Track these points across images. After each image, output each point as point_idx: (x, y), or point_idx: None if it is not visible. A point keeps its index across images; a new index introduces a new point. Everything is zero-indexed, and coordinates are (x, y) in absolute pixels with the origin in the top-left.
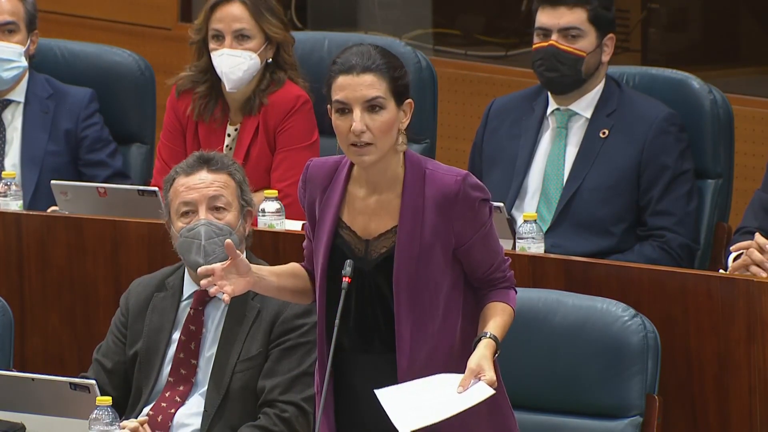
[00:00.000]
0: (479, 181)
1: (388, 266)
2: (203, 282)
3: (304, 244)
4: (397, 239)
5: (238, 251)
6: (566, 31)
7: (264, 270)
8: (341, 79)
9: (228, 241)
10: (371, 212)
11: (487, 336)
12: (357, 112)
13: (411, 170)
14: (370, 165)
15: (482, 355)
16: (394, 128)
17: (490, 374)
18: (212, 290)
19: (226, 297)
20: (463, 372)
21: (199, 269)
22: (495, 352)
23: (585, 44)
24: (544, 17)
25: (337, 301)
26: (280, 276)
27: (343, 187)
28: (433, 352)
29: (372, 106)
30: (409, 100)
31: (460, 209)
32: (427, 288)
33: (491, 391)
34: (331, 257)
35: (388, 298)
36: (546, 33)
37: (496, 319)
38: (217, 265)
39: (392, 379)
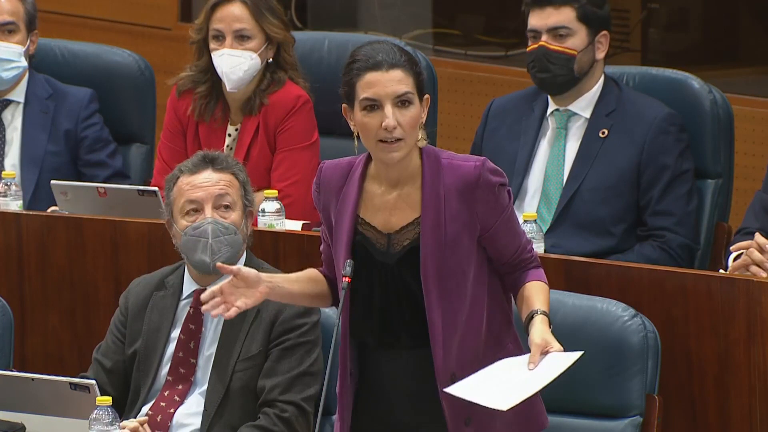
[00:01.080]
0: (497, 167)
1: (413, 258)
2: (203, 308)
3: (322, 248)
4: (422, 228)
5: (232, 267)
6: (555, 31)
7: (277, 278)
8: (370, 76)
9: (219, 264)
10: (392, 207)
11: (539, 313)
12: (389, 108)
13: (428, 162)
14: (397, 161)
15: (543, 329)
16: (419, 123)
17: (557, 345)
18: (215, 311)
19: (232, 312)
20: (494, 356)
21: (202, 296)
22: (549, 327)
23: (576, 42)
24: (534, 19)
25: (360, 299)
26: (294, 282)
27: (359, 185)
28: (464, 340)
29: (402, 101)
30: (426, 96)
31: (482, 194)
32: (453, 276)
33: (579, 353)
34: (353, 255)
35: (414, 290)
36: (536, 35)
37: (540, 297)
38: (224, 283)
39: (423, 373)
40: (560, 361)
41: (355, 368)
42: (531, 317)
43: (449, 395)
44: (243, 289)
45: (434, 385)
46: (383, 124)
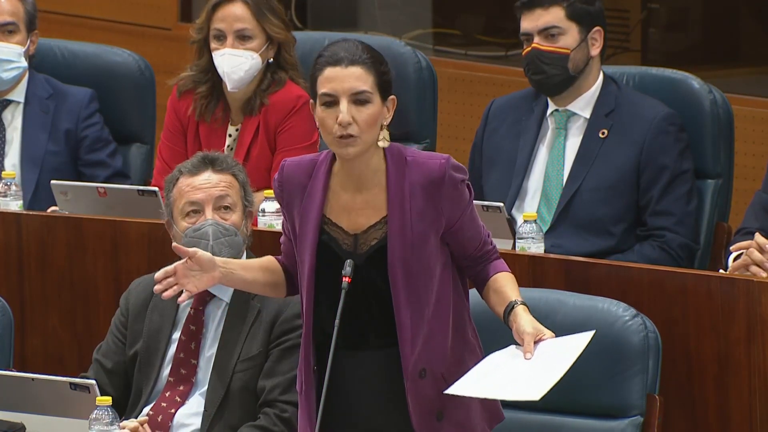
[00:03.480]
0: (460, 164)
1: (381, 257)
2: (156, 287)
3: (282, 240)
4: (389, 227)
5: (192, 249)
6: (545, 32)
7: (233, 263)
8: (329, 72)
9: (175, 244)
10: (358, 207)
11: (518, 303)
12: (344, 104)
13: (392, 161)
14: (353, 157)
15: (531, 319)
16: (379, 122)
17: (549, 333)
18: (166, 293)
19: (183, 297)
20: (461, 350)
21: (156, 275)
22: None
23: (567, 41)
24: (525, 22)
25: (326, 298)
26: (250, 270)
27: (325, 183)
28: (432, 337)
29: (359, 99)
30: (392, 97)
31: (447, 191)
32: (421, 274)
33: (592, 332)
34: (318, 254)
35: (382, 290)
36: (529, 37)
37: (512, 288)
38: (177, 264)
39: (389, 373)
40: (574, 342)
41: (318, 366)
42: (511, 308)
43: (416, 393)
44: (197, 272)
45: (402, 384)
46: (338, 119)
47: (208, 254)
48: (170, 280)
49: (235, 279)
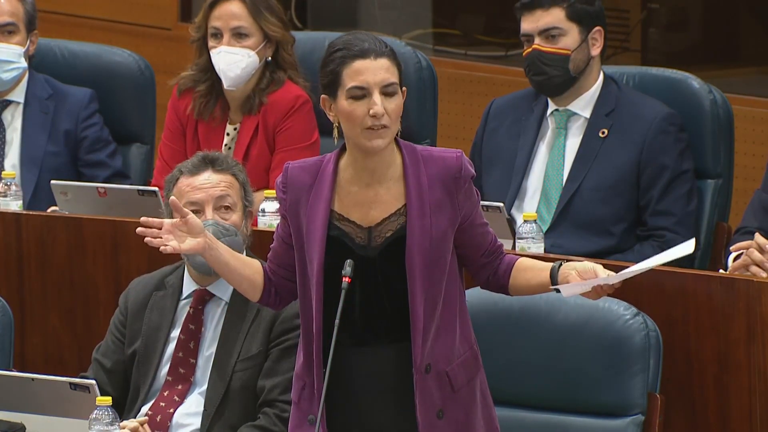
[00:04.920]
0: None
1: (396, 249)
2: (139, 230)
3: (273, 245)
4: (408, 217)
5: (186, 209)
6: (546, 33)
7: (223, 247)
8: (358, 64)
9: (173, 198)
10: (371, 201)
11: (562, 263)
12: (377, 96)
13: (407, 153)
14: (381, 149)
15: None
16: (401, 113)
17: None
18: (148, 239)
19: (169, 248)
20: (464, 353)
21: (141, 219)
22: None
23: (568, 42)
24: (525, 23)
25: (337, 294)
26: (236, 258)
27: (332, 180)
28: (439, 333)
29: (388, 91)
30: (404, 88)
31: (463, 184)
32: (436, 266)
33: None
34: (329, 250)
35: (395, 283)
36: (529, 39)
37: (541, 262)
38: (166, 221)
39: (399, 368)
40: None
41: (325, 367)
42: (559, 265)
43: (423, 388)
44: (183, 234)
45: (410, 379)
46: (371, 111)
47: (198, 221)
48: (154, 231)
49: (217, 256)
